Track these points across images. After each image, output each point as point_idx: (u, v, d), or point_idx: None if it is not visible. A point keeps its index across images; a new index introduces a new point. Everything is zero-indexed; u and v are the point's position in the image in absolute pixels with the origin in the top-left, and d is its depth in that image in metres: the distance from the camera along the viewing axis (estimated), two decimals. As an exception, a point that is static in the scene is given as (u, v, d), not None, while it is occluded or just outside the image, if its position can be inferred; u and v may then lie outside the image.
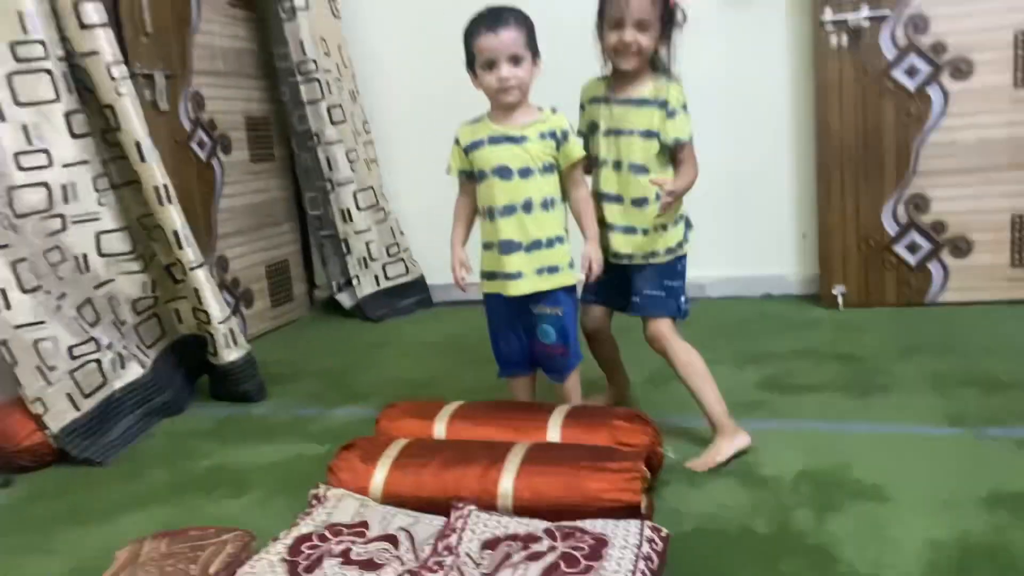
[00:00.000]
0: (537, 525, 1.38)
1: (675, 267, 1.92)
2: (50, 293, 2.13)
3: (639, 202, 1.85)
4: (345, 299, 3.56)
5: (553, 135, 1.77)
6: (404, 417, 1.87)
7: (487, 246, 1.84)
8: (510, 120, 1.79)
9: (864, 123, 2.96)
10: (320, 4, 3.30)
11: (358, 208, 3.40)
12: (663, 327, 1.90)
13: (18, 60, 2.09)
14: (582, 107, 1.96)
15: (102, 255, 2.31)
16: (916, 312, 2.93)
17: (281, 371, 2.77)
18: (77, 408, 2.14)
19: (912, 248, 2.99)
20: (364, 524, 1.45)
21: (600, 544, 1.27)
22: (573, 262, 1.84)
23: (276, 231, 3.53)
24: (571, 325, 1.86)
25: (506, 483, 1.53)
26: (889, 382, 2.23)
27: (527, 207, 1.78)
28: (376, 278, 3.50)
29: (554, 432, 1.73)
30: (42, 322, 2.08)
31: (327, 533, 1.42)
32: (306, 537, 1.41)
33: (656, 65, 1.87)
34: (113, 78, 2.19)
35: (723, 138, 3.29)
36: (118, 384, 2.27)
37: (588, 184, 1.89)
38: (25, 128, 2.11)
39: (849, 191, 3.01)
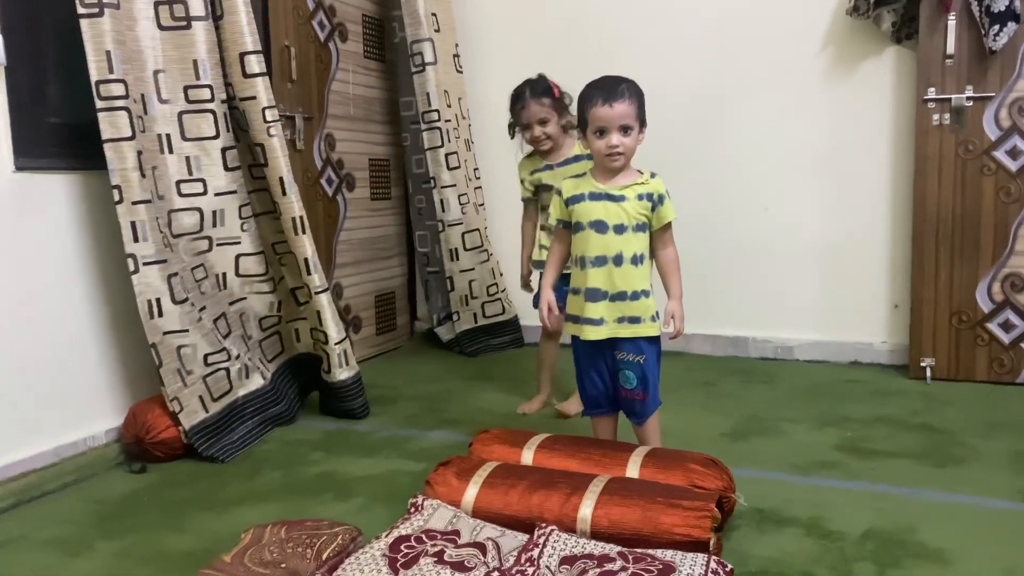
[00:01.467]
0: (612, 548, 1.52)
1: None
2: (194, 305, 2.42)
3: None
4: (444, 332, 3.79)
5: (650, 197, 1.95)
6: (495, 443, 2.05)
7: (575, 291, 2.02)
8: (612, 181, 1.97)
9: (962, 199, 3.01)
10: (446, 60, 3.59)
11: (465, 248, 3.63)
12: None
13: (189, 101, 2.40)
14: (523, 181, 2.71)
15: (239, 275, 2.59)
16: (1006, 390, 2.93)
17: (383, 394, 3.00)
18: (206, 410, 2.40)
19: (1006, 326, 2.99)
20: (456, 532, 1.62)
21: (668, 570, 1.40)
22: (656, 315, 1.98)
23: (386, 264, 3.81)
24: (652, 373, 2.00)
25: (586, 510, 1.67)
26: (967, 455, 2.26)
27: (617, 260, 1.94)
28: (475, 315, 3.71)
29: (633, 470, 1.86)
30: (186, 330, 2.36)
31: (423, 536, 1.60)
32: (405, 538, 1.59)
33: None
34: (266, 120, 2.50)
35: (822, 206, 3.40)
36: (242, 392, 2.53)
37: (675, 246, 2.06)
38: (188, 160, 2.42)
39: (944, 265, 3.05)
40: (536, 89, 2.58)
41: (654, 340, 2.00)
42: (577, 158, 2.61)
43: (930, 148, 3.03)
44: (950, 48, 2.94)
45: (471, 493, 1.75)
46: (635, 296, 1.95)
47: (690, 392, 2.95)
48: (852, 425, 2.55)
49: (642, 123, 1.96)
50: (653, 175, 1.98)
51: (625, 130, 1.91)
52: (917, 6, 3.00)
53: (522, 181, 2.72)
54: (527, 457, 1.97)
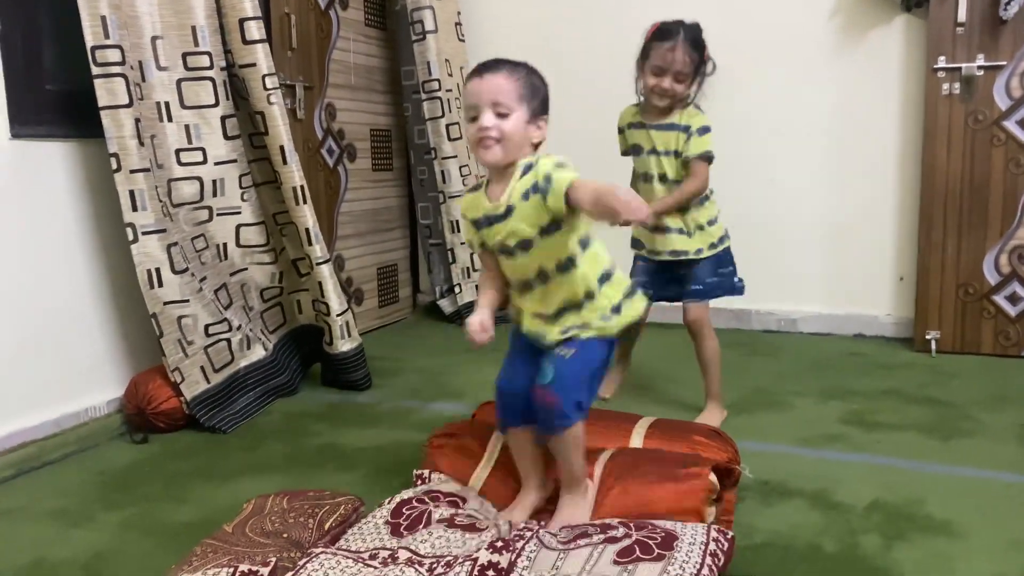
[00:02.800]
0: (613, 519, 1.51)
1: (724, 257, 2.34)
2: (194, 276, 2.39)
3: (684, 208, 2.26)
4: (446, 305, 3.77)
5: (536, 188, 1.49)
6: (499, 414, 2.03)
7: (517, 311, 1.67)
8: (501, 186, 1.56)
9: (971, 171, 2.97)
10: (447, 27, 3.54)
11: (466, 220, 3.59)
12: (705, 312, 2.32)
13: (188, 68, 2.37)
14: (621, 131, 2.37)
15: (240, 246, 2.56)
16: (1012, 363, 2.91)
17: (385, 366, 2.98)
18: (208, 380, 2.39)
19: (1013, 299, 2.97)
20: (461, 496, 1.61)
21: (670, 538, 1.39)
22: (609, 312, 1.58)
23: (388, 236, 3.78)
24: (577, 376, 1.55)
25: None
26: (974, 428, 2.25)
27: (543, 278, 1.56)
28: (476, 287, 3.69)
29: (637, 440, 1.84)
30: (186, 301, 2.34)
31: (426, 497, 1.59)
32: (407, 501, 1.58)
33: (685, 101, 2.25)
34: (266, 88, 2.46)
35: (828, 177, 3.37)
36: (243, 363, 2.52)
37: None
38: (187, 128, 2.39)
39: (951, 237, 3.01)
40: (690, 34, 2.15)
41: (599, 341, 1.58)
42: (673, 126, 2.21)
43: (939, 118, 2.99)
44: (961, 16, 2.89)
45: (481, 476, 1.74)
46: (578, 306, 1.57)
47: (692, 365, 2.92)
48: (857, 398, 2.54)
49: (535, 110, 1.54)
50: (538, 156, 1.55)
51: (500, 111, 1.50)
52: (928, -27, 2.95)
53: (621, 131, 2.36)
54: (531, 428, 1.95)
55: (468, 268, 3.65)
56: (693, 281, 2.31)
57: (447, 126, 3.50)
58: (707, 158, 2.22)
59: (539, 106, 1.56)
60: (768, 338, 3.37)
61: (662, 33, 2.17)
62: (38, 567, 1.59)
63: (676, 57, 2.13)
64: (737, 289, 2.37)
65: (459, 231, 3.59)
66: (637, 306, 1.64)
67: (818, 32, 3.30)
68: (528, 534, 1.44)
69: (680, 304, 2.36)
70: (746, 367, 2.92)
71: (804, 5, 3.30)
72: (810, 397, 2.56)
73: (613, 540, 1.38)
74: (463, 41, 3.65)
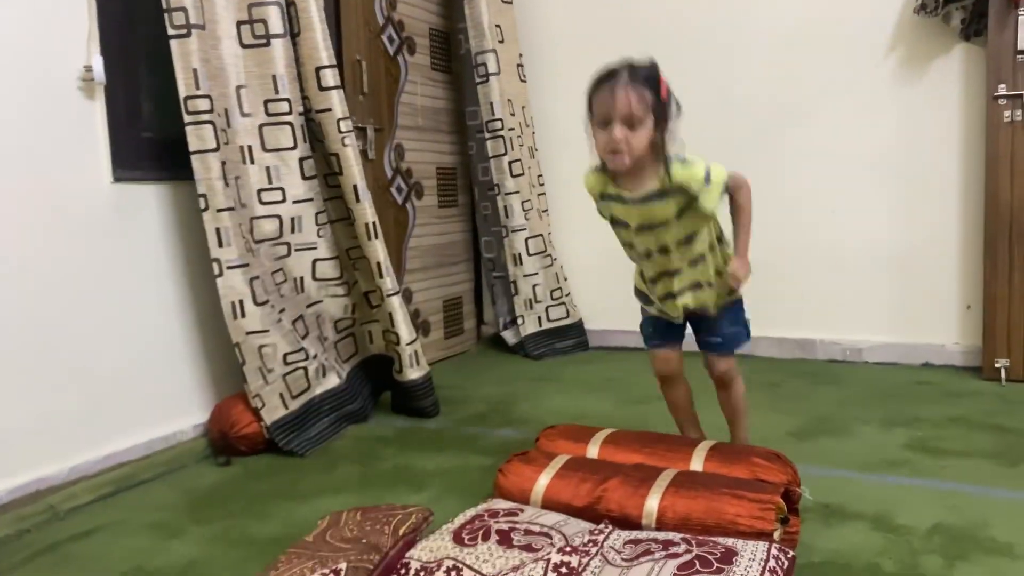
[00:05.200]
0: (675, 535, 1.57)
1: (741, 304, 2.06)
2: (273, 307, 2.54)
3: (695, 261, 1.93)
4: (509, 336, 3.87)
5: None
6: (560, 438, 2.10)
7: None
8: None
9: (1036, 197, 2.95)
10: (509, 69, 3.68)
11: (528, 253, 3.71)
12: (734, 361, 2.08)
13: (269, 115, 2.54)
14: (595, 197, 1.97)
15: (315, 279, 2.71)
16: (1086, 392, 2.86)
17: (451, 394, 3.08)
18: (286, 407, 2.52)
19: (1085, 326, 2.92)
20: (519, 509, 1.69)
21: (730, 553, 1.44)
22: None
23: (453, 270, 3.91)
24: None
25: (652, 502, 1.71)
26: (1043, 455, 2.23)
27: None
28: (539, 319, 3.78)
29: (697, 463, 1.89)
30: (266, 331, 2.49)
31: (485, 514, 1.67)
32: (469, 520, 1.66)
33: (658, 155, 1.79)
34: (340, 131, 2.62)
35: (891, 207, 3.37)
36: (319, 390, 2.65)
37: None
38: (268, 170, 2.56)
39: (1017, 264, 2.99)
40: (637, 74, 1.74)
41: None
42: (663, 194, 1.82)
43: (1001, 146, 2.98)
44: (1021, 43, 2.90)
45: (542, 482, 1.82)
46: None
47: (756, 393, 2.94)
48: (923, 425, 2.53)
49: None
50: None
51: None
52: (986, 2, 2.96)
53: (595, 198, 1.98)
54: (592, 452, 2.01)
55: (530, 300, 3.75)
56: (710, 332, 2.03)
57: (510, 163, 3.63)
58: (727, 186, 1.85)
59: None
60: (833, 368, 3.37)
61: (602, 76, 1.77)
62: (137, 574, 1.72)
63: (620, 99, 1.71)
64: (749, 335, 2.07)
65: (521, 264, 3.70)
66: None
67: (878, 64, 3.34)
68: (593, 549, 1.51)
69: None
70: (809, 395, 2.93)
71: (863, 38, 3.34)
72: (874, 424, 2.56)
73: (674, 555, 1.43)
74: (525, 82, 3.79)
